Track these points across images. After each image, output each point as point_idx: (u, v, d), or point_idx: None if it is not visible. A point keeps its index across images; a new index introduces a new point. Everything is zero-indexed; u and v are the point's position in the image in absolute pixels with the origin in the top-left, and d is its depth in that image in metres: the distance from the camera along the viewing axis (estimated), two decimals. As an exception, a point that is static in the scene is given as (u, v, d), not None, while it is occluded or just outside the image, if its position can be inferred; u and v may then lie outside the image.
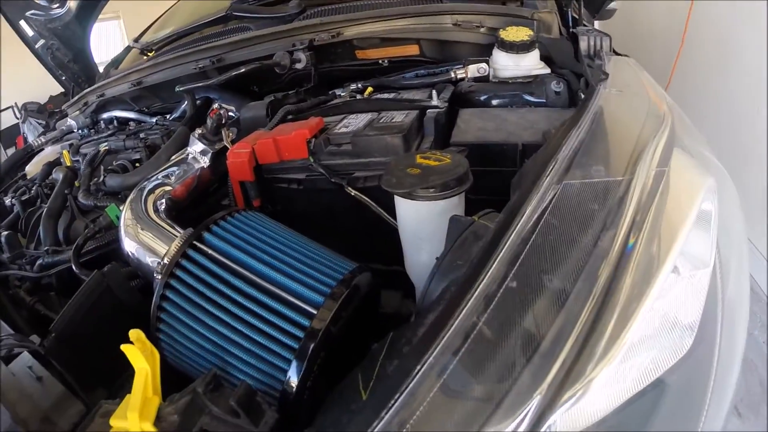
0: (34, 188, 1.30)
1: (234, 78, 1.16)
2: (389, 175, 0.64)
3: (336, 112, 0.95)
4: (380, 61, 1.16)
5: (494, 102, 1.01)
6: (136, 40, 1.97)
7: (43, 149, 1.74)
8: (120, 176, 1.03)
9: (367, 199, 0.79)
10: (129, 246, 0.77)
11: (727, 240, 0.60)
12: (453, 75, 1.00)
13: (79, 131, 1.72)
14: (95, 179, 1.09)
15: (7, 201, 1.30)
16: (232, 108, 1.20)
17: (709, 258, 0.53)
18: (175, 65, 1.35)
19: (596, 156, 0.59)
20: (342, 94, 1.14)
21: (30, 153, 1.65)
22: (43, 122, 5.63)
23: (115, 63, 2.09)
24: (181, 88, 1.27)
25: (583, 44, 1.00)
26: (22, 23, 1.86)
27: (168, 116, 1.50)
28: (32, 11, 1.82)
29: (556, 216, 0.50)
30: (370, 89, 1.09)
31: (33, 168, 1.57)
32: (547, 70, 0.99)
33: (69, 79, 2.10)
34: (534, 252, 0.47)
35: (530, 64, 0.97)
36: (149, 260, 0.73)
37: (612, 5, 1.49)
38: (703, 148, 0.72)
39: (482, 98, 1.02)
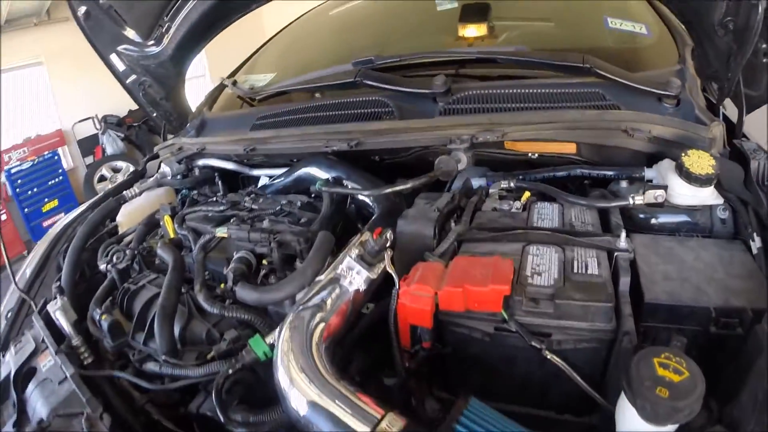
0: (128, 252, 1.23)
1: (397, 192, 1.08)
2: (644, 402, 0.58)
3: (512, 238, 0.88)
4: (529, 154, 1.09)
5: (654, 222, 0.96)
6: (235, 83, 1.89)
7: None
8: (256, 290, 0.91)
9: (563, 363, 0.73)
10: (294, 400, 0.69)
11: None
12: (631, 202, 0.93)
13: (173, 178, 1.71)
14: (221, 286, 1.00)
15: (102, 266, 1.24)
16: (366, 193, 1.11)
17: None
18: (302, 141, 1.27)
19: None
20: (492, 191, 1.07)
21: (121, 201, 1.60)
22: (122, 135, 5.79)
23: (208, 102, 2.03)
24: (324, 189, 1.16)
25: (753, 166, 0.96)
26: (113, 57, 1.82)
27: (276, 180, 1.43)
28: (124, 46, 1.78)
29: None
30: (527, 194, 1.02)
31: (125, 219, 1.56)
32: (721, 200, 0.93)
33: (160, 117, 2.04)
34: None
35: (707, 195, 0.91)
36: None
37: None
38: None
39: (644, 216, 0.97)
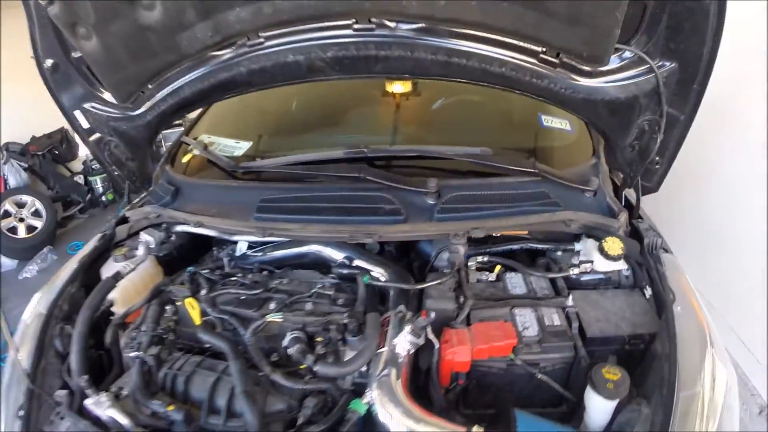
0: (146, 336, 1.41)
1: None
2: (603, 390, 1.15)
3: (502, 304, 1.40)
4: (492, 233, 1.59)
5: (582, 280, 1.54)
6: (205, 148, 1.99)
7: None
8: (335, 366, 1.27)
9: (549, 379, 1.28)
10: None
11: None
12: (572, 273, 1.49)
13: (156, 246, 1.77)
14: (301, 366, 1.28)
15: (132, 354, 1.38)
16: (407, 287, 1.45)
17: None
18: (325, 233, 1.57)
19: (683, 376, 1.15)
20: (470, 264, 1.56)
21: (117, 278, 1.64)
22: (26, 165, 5.18)
23: (169, 161, 2.16)
24: (374, 282, 1.48)
25: (646, 242, 1.56)
26: (77, 113, 1.79)
27: (260, 249, 1.66)
28: (92, 104, 1.76)
29: None
30: (499, 267, 1.54)
31: (120, 296, 1.61)
32: (626, 266, 1.53)
33: (123, 177, 2.07)
34: None
35: (618, 265, 1.51)
36: None
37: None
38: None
39: (575, 277, 1.53)
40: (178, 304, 1.58)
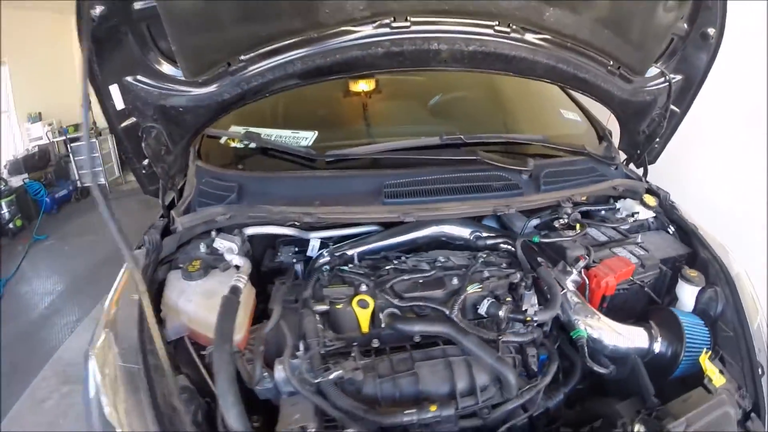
0: (316, 355, 1.40)
1: None
2: (691, 279, 1.88)
3: (602, 249, 2.02)
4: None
5: (626, 228, 2.29)
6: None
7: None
8: (546, 311, 1.66)
9: (649, 291, 1.96)
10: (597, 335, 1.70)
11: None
12: (628, 224, 2.22)
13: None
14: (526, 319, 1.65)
15: (330, 377, 1.35)
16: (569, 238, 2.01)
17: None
18: (470, 210, 1.93)
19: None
20: (555, 224, 2.17)
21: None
22: None
23: (195, 156, 2.14)
24: (542, 240, 1.93)
25: (662, 195, 2.38)
26: (113, 88, 1.47)
27: (370, 239, 1.88)
28: (138, 76, 1.48)
29: None
30: (579, 225, 2.18)
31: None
32: (653, 214, 2.32)
33: (158, 174, 1.78)
34: None
35: (652, 213, 2.30)
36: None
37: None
38: None
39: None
40: (337, 307, 1.58)
